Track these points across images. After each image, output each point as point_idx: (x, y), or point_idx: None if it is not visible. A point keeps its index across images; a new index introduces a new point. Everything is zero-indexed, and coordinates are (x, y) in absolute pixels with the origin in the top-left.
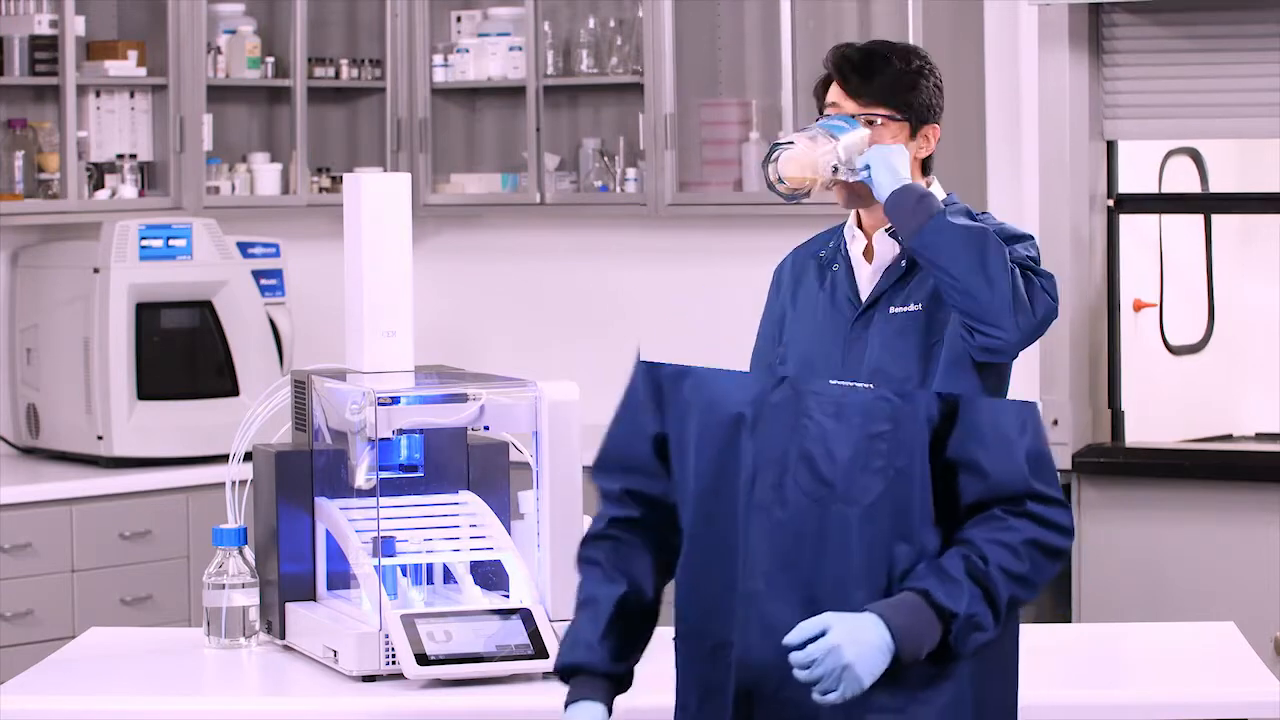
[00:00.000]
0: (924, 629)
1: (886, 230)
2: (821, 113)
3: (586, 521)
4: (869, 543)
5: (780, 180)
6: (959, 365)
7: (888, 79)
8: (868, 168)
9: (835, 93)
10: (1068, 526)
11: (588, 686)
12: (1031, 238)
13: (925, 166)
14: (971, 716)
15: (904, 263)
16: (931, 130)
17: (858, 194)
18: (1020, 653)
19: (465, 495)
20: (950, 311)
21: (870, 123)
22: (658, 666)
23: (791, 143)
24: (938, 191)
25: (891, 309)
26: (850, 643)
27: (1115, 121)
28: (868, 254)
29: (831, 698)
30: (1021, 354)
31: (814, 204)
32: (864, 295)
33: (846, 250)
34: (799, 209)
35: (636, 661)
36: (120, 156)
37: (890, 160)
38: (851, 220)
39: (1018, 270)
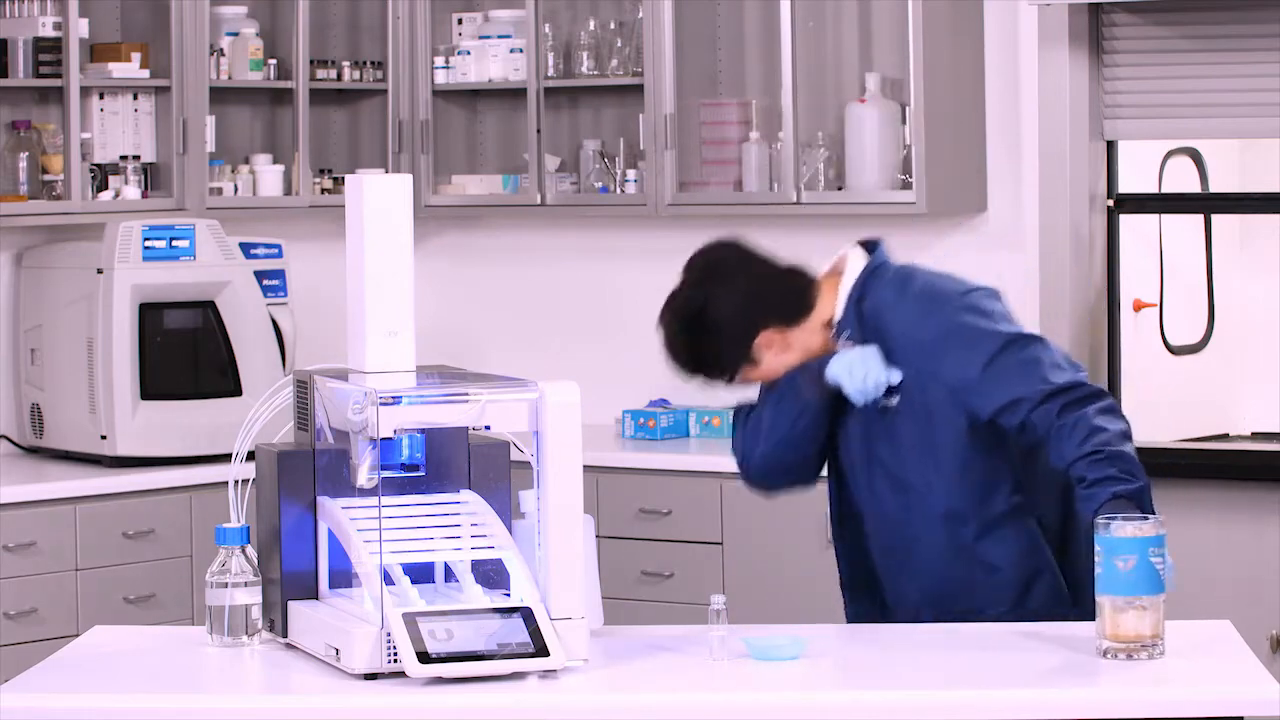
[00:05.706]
0: None
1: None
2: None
3: (587, 521)
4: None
5: None
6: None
7: (702, 372)
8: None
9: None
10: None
11: None
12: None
13: (869, 247)
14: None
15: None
16: (775, 332)
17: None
18: (1017, 651)
19: (466, 494)
20: (936, 391)
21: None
22: (657, 664)
23: None
24: (856, 263)
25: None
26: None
27: (1115, 121)
28: None
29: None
30: None
31: (815, 204)
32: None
33: None
34: (801, 208)
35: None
36: (124, 158)
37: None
38: None
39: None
